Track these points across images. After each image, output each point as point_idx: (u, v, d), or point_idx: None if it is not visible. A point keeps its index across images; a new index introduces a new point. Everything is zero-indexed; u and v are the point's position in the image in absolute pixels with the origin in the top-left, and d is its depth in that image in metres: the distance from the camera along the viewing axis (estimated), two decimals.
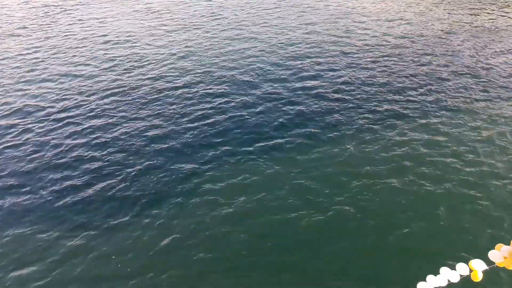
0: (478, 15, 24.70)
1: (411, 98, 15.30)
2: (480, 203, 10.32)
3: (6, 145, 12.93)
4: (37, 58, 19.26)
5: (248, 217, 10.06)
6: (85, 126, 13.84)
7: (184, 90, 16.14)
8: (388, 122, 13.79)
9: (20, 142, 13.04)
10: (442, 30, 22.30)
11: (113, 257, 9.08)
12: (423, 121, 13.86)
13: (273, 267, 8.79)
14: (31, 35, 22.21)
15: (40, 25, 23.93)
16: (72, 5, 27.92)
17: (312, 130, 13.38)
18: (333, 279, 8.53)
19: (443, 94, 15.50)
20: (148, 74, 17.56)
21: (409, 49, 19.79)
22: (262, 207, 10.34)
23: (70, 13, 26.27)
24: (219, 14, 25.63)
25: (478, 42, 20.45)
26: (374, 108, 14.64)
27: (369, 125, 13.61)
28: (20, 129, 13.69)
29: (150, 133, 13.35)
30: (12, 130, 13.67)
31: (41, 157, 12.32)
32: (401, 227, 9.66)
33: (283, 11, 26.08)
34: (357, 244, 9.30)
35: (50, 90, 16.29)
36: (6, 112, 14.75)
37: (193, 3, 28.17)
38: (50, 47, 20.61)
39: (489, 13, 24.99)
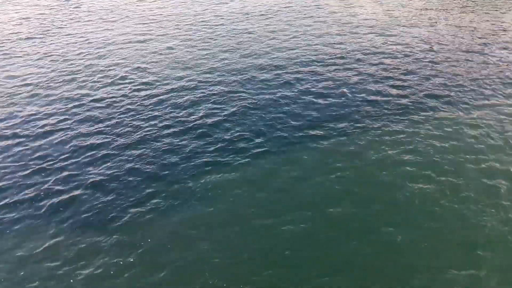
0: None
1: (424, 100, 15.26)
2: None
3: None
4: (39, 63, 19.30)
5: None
6: (93, 129, 13.83)
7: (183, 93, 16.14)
8: (397, 124, 13.75)
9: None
10: (452, 34, 22.19)
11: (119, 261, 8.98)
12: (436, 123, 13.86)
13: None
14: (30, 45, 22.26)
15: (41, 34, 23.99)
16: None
17: (318, 131, 13.35)
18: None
19: (457, 96, 15.46)
20: (150, 76, 17.57)
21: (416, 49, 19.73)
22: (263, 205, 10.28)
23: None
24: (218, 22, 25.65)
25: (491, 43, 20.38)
26: (382, 109, 14.64)
27: (381, 125, 13.61)
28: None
29: (152, 134, 13.32)
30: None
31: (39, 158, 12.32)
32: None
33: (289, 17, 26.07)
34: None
35: (46, 97, 16.29)
36: None
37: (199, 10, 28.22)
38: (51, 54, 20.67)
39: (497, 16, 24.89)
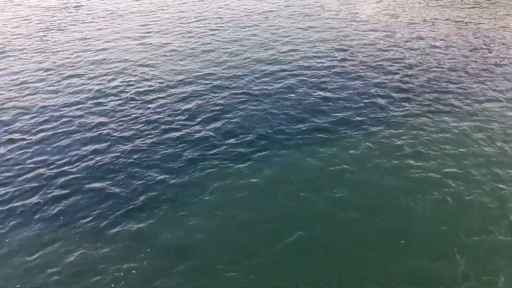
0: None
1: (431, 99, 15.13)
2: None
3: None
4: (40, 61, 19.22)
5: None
6: (93, 126, 13.72)
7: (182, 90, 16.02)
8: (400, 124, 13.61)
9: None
10: (456, 32, 22.05)
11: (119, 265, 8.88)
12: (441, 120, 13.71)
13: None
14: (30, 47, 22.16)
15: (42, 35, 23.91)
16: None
17: (321, 127, 13.27)
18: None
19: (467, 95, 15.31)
20: (151, 74, 17.45)
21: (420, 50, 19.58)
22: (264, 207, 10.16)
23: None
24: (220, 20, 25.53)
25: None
26: (384, 109, 14.50)
27: (384, 126, 13.47)
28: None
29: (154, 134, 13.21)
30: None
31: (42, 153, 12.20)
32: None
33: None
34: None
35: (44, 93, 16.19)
36: None
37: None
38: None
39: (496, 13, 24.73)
